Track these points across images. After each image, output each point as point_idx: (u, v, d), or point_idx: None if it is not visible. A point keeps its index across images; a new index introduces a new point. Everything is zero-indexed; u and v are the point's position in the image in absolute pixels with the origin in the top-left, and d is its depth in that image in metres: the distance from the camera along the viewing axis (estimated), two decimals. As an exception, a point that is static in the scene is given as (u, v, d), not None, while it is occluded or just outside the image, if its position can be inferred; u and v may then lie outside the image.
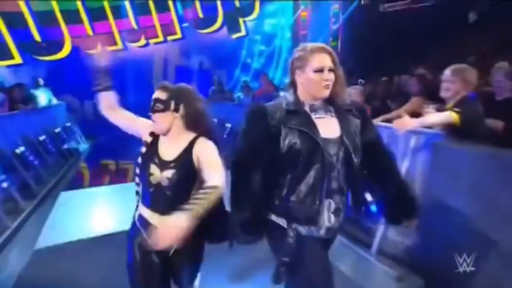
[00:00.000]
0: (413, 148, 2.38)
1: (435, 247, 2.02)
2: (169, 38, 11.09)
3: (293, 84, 1.31)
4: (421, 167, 2.34)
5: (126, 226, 1.44)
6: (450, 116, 2.11)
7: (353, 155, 1.22)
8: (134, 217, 1.41)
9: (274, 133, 1.20)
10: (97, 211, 4.33)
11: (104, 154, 7.49)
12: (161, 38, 10.95)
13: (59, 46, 9.54)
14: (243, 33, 13.02)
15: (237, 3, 12.75)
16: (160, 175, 1.28)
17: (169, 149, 1.32)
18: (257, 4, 13.12)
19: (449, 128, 2.17)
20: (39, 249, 3.05)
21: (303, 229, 1.24)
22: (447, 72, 2.32)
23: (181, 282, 1.40)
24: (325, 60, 1.22)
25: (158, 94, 1.32)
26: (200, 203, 1.05)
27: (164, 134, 1.35)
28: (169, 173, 1.27)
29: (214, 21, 12.23)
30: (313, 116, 1.24)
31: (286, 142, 1.19)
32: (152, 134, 1.38)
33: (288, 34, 14.28)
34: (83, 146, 8.12)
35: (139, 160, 1.37)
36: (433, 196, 2.12)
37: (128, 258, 1.33)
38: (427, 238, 2.10)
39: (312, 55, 1.23)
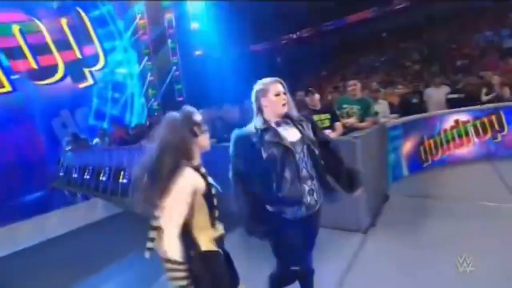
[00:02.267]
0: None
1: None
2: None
3: (259, 109, 1.67)
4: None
5: None
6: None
7: (313, 148, 1.63)
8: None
9: (257, 149, 1.57)
10: None
11: None
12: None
13: None
14: (90, 82, 13.23)
15: (77, 54, 12.89)
16: None
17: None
18: (101, 54, 13.76)
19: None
20: None
21: (290, 213, 1.59)
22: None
23: None
24: (280, 87, 1.66)
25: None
26: None
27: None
28: None
29: (54, 71, 11.87)
30: (280, 129, 1.64)
31: (267, 153, 1.57)
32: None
33: (137, 82, 15.73)
34: None
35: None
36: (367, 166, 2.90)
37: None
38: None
39: (271, 85, 1.66)
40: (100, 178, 6.11)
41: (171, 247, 1.19)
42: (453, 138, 4.60)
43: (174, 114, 1.34)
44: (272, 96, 1.63)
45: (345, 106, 3.59)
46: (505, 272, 2.00)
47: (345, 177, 1.72)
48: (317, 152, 1.64)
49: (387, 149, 3.94)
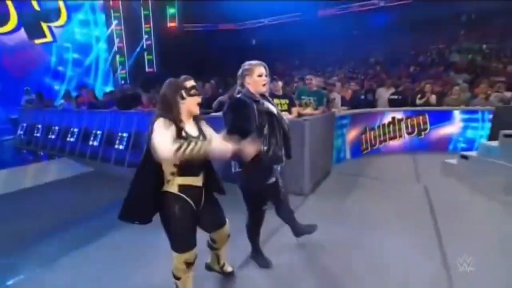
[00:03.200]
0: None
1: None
2: None
3: (243, 85, 1.96)
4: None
5: None
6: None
7: (283, 122, 2.00)
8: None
9: (254, 114, 1.87)
10: None
11: None
12: None
13: None
14: (49, 39, 12.32)
15: (35, 5, 11.79)
16: None
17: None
18: (64, 11, 12.76)
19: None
20: None
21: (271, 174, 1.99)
22: None
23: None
24: (263, 70, 1.96)
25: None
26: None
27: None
28: None
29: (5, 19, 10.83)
30: (265, 102, 1.96)
31: (261, 120, 1.88)
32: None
33: (104, 46, 14.92)
34: None
35: None
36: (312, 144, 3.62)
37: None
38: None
39: (256, 67, 1.95)
40: (68, 139, 6.18)
41: (165, 150, 1.41)
42: (389, 132, 5.56)
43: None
44: (256, 77, 1.93)
45: (303, 97, 4.23)
46: (407, 231, 2.80)
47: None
48: (286, 126, 2.01)
49: (335, 134, 4.71)
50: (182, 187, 1.59)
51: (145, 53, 17.63)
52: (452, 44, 16.37)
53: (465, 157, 3.89)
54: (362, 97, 5.98)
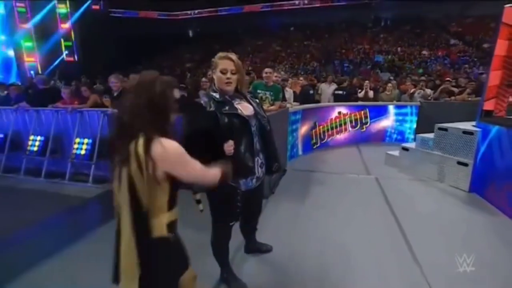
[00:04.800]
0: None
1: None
2: None
3: (212, 80, 1.69)
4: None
5: None
6: None
7: (264, 124, 1.70)
8: None
9: (213, 116, 1.54)
10: None
11: None
12: None
13: None
14: None
15: None
16: None
17: None
18: None
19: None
20: None
21: (243, 184, 1.65)
22: None
23: None
24: (228, 65, 1.60)
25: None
26: None
27: None
28: None
29: None
30: (235, 103, 1.64)
31: (224, 121, 1.54)
32: None
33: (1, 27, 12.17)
34: None
35: None
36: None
37: None
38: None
39: (220, 60, 1.61)
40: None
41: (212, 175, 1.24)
42: (336, 126, 5.79)
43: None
44: (218, 72, 1.61)
45: (259, 91, 4.01)
46: (371, 220, 2.85)
47: (270, 159, 1.80)
48: (267, 128, 1.72)
49: (288, 130, 4.65)
50: (170, 225, 1.15)
51: (62, 39, 15.02)
52: (374, 45, 18.35)
53: (405, 149, 4.24)
54: (311, 91, 6.08)
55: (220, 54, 1.65)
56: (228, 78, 1.61)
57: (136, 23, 21.50)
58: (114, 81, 3.81)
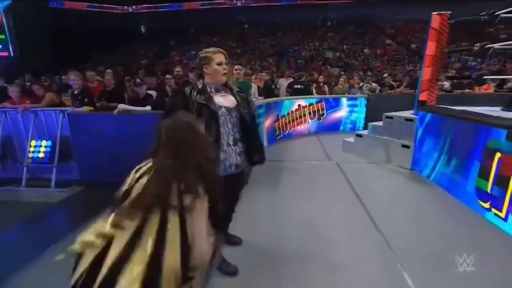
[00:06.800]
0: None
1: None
2: None
3: (200, 76, 1.82)
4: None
5: None
6: None
7: (245, 117, 1.83)
8: None
9: (188, 103, 1.69)
10: None
11: None
12: None
13: None
14: None
15: None
16: None
17: None
18: None
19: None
20: None
21: (221, 170, 1.72)
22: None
23: None
24: (223, 58, 1.79)
25: None
26: None
27: None
28: None
29: None
30: (218, 95, 1.78)
31: (194, 107, 1.68)
32: None
33: None
34: None
35: None
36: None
37: None
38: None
39: (215, 54, 1.78)
40: None
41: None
42: (297, 118, 6.19)
43: None
44: (215, 65, 1.77)
45: (231, 87, 4.14)
46: (340, 202, 3.20)
47: (252, 151, 1.93)
48: (247, 119, 1.85)
49: (255, 124, 4.87)
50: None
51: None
52: (323, 43, 19.55)
53: (359, 136, 4.78)
54: (273, 86, 6.37)
55: (212, 49, 1.81)
56: (224, 69, 1.79)
57: (78, 15, 19.61)
58: (74, 78, 3.60)
